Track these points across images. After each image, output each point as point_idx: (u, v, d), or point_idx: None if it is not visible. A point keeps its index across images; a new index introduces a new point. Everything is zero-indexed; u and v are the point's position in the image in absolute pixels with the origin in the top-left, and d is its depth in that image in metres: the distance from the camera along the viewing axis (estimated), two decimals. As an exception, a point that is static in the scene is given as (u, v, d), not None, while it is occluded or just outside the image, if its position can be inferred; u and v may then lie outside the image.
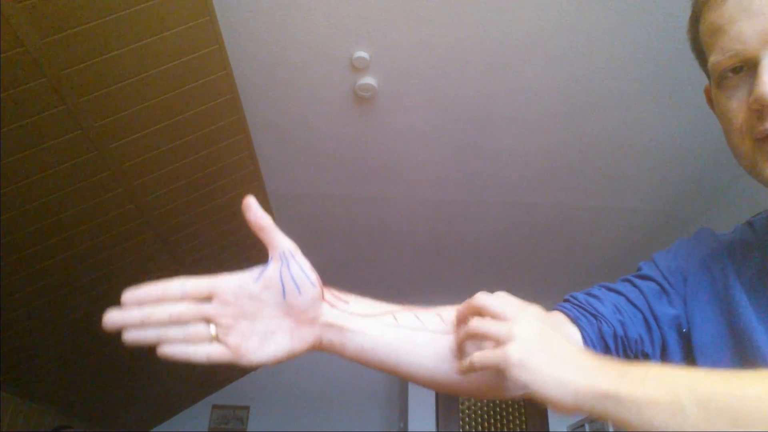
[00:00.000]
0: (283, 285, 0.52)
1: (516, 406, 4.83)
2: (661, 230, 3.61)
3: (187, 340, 0.52)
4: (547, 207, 3.43)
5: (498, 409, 4.82)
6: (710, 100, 0.65)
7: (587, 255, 3.98)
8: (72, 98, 1.97)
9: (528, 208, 3.45)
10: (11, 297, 2.58)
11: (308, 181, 3.24)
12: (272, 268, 0.53)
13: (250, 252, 3.20)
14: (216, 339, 0.53)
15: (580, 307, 0.68)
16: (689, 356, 0.66)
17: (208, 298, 0.53)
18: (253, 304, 0.53)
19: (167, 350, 0.52)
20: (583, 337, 0.65)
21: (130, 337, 0.51)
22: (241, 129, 2.63)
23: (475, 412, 4.80)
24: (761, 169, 0.55)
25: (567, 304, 0.70)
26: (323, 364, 5.15)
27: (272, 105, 2.63)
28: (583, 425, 4.36)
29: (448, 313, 0.62)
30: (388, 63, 2.39)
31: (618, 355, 0.66)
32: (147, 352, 0.52)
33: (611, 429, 3.89)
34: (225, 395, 5.11)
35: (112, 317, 0.50)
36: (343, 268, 4.16)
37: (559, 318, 0.68)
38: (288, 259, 0.52)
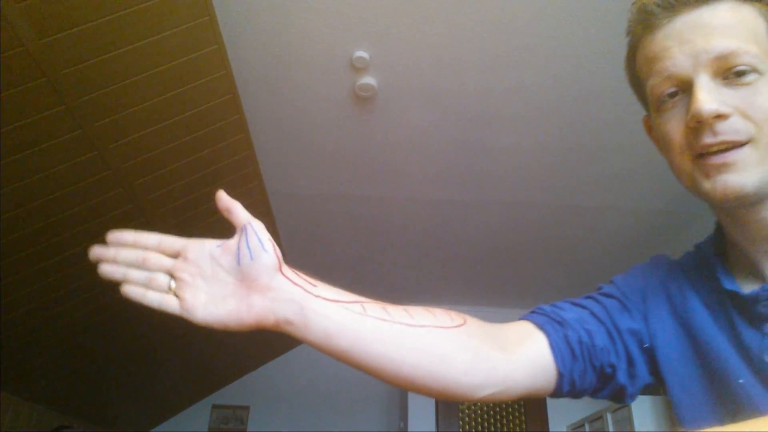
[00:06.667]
0: (238, 250, 0.57)
1: (516, 406, 4.83)
2: (660, 230, 3.61)
3: (146, 285, 0.58)
4: (547, 206, 3.43)
5: (498, 409, 4.82)
6: (649, 130, 0.70)
7: (586, 253, 3.98)
8: (72, 98, 1.97)
9: (527, 206, 3.45)
10: (11, 297, 2.58)
11: (308, 180, 3.24)
12: (234, 238, 0.58)
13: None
14: (172, 292, 0.58)
15: (545, 315, 0.70)
16: (655, 371, 0.68)
17: (175, 256, 0.59)
18: (212, 267, 0.58)
19: (127, 289, 0.58)
20: (550, 343, 0.66)
21: (103, 269, 0.59)
22: (241, 129, 2.63)
23: (475, 412, 4.79)
24: (700, 185, 0.59)
25: (533, 314, 0.72)
26: (323, 364, 5.15)
27: (272, 105, 2.63)
28: (583, 425, 4.36)
29: (416, 310, 0.62)
30: (388, 63, 2.39)
31: (584, 362, 0.67)
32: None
33: (611, 429, 3.89)
34: (225, 395, 5.11)
35: (94, 250, 0.59)
36: (343, 268, 4.17)
37: (525, 326, 0.69)
38: (246, 229, 0.57)
